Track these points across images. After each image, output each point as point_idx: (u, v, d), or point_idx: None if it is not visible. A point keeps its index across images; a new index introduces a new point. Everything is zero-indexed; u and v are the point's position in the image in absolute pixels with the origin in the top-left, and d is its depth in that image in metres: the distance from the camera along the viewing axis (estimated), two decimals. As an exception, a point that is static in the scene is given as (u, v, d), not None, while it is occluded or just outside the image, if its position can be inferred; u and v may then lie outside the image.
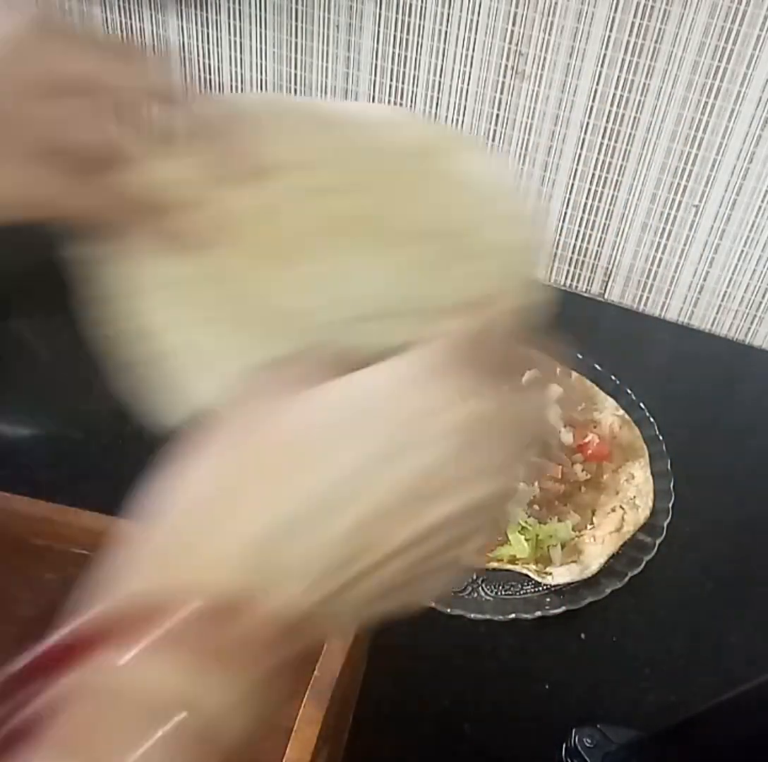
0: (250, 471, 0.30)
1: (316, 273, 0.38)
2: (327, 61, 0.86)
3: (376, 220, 0.39)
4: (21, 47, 0.36)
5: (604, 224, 0.86)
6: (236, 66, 0.91)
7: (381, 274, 0.39)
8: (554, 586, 0.63)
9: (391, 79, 0.85)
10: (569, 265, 0.90)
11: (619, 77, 0.76)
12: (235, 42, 0.89)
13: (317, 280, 0.38)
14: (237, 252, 0.38)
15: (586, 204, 0.85)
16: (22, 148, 0.37)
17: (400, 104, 0.86)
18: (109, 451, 0.72)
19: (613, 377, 0.77)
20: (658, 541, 0.66)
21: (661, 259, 0.86)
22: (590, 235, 0.87)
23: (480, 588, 0.63)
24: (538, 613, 0.61)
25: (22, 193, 0.38)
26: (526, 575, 0.63)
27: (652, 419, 0.74)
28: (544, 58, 0.78)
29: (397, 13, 0.81)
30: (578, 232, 0.87)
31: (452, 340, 0.32)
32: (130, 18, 0.92)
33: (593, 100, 0.79)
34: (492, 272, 0.40)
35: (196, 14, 0.89)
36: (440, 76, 0.83)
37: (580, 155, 0.82)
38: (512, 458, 0.31)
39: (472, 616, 0.61)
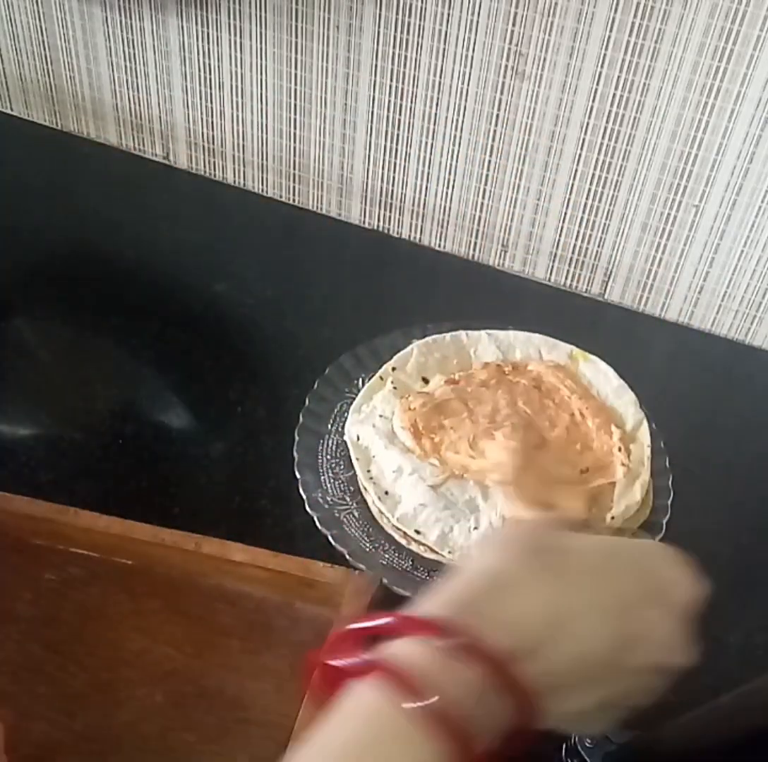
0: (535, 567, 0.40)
1: None
2: (327, 62, 0.86)
3: None
4: None
5: (604, 224, 0.86)
6: (236, 66, 0.91)
7: None
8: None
9: (391, 80, 0.85)
10: (569, 265, 0.90)
11: (619, 77, 0.77)
12: (235, 42, 0.89)
13: None
14: None
15: (586, 204, 0.85)
16: None
17: (401, 104, 0.86)
18: (109, 451, 0.72)
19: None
20: (657, 539, 0.66)
21: (661, 259, 0.86)
22: (590, 235, 0.87)
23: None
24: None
25: None
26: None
27: (651, 418, 0.74)
28: (544, 59, 0.78)
29: (397, 13, 0.81)
30: (578, 232, 0.87)
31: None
32: (130, 18, 0.92)
33: (593, 101, 0.79)
34: None
35: (196, 14, 0.89)
36: (440, 77, 0.83)
37: (580, 155, 0.82)
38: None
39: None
